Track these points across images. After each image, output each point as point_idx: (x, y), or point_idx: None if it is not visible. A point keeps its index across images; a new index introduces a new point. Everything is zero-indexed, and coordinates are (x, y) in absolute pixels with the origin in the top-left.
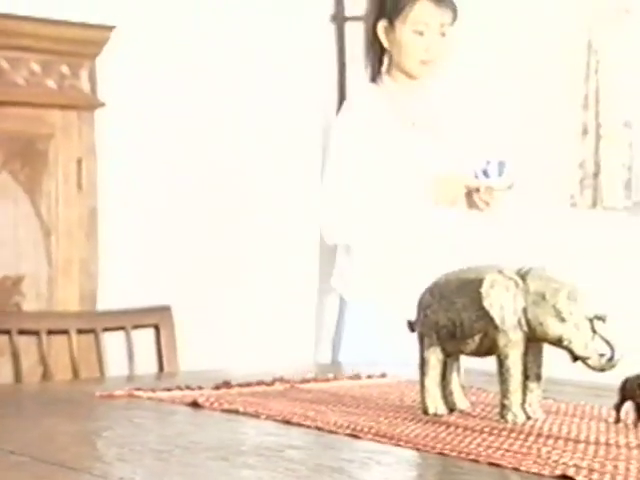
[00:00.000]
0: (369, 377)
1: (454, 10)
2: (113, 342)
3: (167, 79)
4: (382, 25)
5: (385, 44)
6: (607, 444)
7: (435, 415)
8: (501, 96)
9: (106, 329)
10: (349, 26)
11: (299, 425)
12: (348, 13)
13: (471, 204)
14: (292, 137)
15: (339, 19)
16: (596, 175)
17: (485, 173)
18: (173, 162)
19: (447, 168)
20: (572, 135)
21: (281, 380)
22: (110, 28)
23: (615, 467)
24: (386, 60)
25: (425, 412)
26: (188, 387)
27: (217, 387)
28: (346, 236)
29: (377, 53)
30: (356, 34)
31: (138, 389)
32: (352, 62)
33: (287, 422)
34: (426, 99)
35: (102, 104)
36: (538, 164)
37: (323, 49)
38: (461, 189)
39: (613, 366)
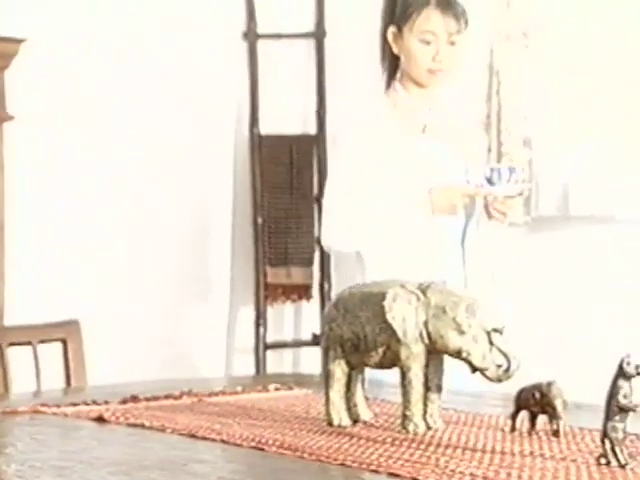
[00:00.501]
0: (277, 390)
1: (463, 19)
2: (20, 357)
3: (76, 92)
4: (391, 31)
5: (395, 50)
6: (502, 452)
7: (339, 427)
8: None
9: (12, 344)
10: (262, 43)
11: (204, 439)
12: (260, 30)
13: (489, 215)
14: (203, 152)
15: (251, 36)
16: None
17: (490, 181)
18: (80, 176)
19: (458, 176)
20: None
21: (189, 394)
22: (19, 41)
23: (508, 474)
24: (400, 67)
25: (330, 424)
26: (94, 402)
27: (124, 401)
28: (351, 244)
29: (389, 59)
30: (269, 51)
31: (43, 404)
32: (267, 79)
33: (192, 436)
34: (437, 106)
35: (11, 117)
36: None
37: (234, 66)
38: (459, 198)
39: (509, 377)
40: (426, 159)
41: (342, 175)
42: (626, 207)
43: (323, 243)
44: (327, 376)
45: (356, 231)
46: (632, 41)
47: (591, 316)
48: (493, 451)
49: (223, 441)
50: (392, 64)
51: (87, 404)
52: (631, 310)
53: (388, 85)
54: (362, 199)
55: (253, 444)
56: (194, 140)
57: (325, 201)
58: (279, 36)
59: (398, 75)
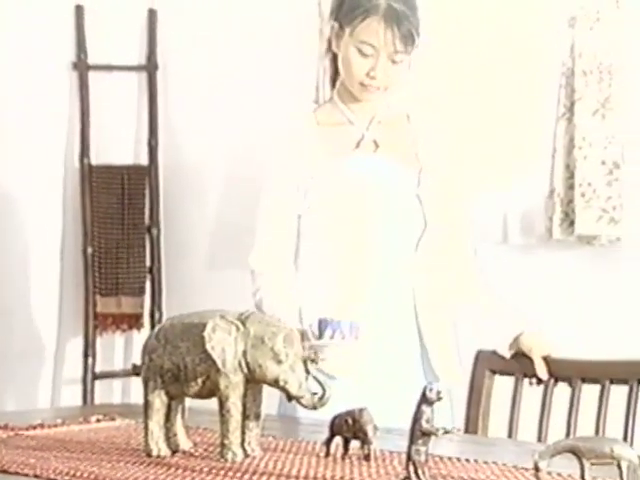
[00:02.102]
0: (98, 421)
1: (411, 38)
2: None
3: None
4: (332, 24)
5: (333, 47)
6: (315, 477)
7: (158, 457)
8: None
9: None
10: (93, 75)
11: (17, 474)
12: (91, 61)
13: None
14: (32, 182)
15: (81, 67)
16: None
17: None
18: None
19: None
20: None
21: (4, 427)
22: None
23: None
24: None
25: (148, 454)
26: None
27: None
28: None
29: (330, 59)
30: (100, 82)
31: None
32: (98, 110)
33: (4, 471)
34: (382, 115)
35: None
36: None
37: (64, 96)
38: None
39: (324, 404)
40: (355, 180)
41: (270, 202)
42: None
43: (250, 266)
44: (146, 407)
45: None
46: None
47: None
48: (307, 477)
49: (37, 476)
50: (333, 64)
51: None
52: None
53: (333, 85)
54: (286, 226)
55: (67, 478)
56: (22, 170)
57: (257, 225)
58: (110, 68)
59: (337, 83)
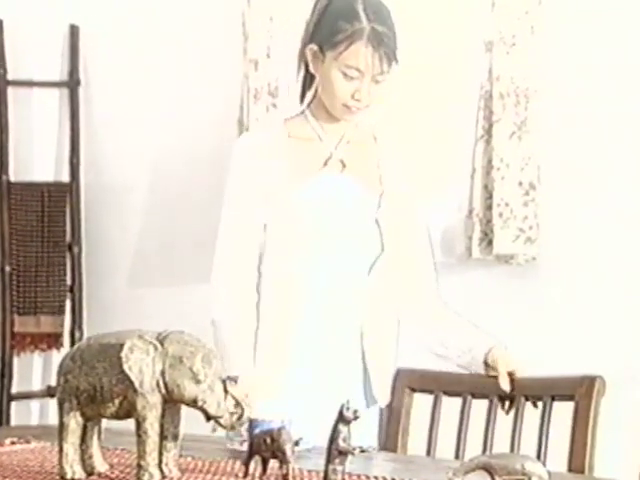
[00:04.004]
0: (13, 443)
1: (394, 58)
2: None
3: None
4: (310, 48)
5: (311, 69)
6: None
7: (72, 479)
8: None
9: None
10: (13, 90)
11: None
12: (11, 77)
13: None
14: None
15: (0, 82)
16: None
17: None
18: None
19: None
20: None
21: None
22: None
23: None
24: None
25: (63, 477)
26: None
27: None
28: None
29: (305, 80)
30: (20, 98)
31: None
32: (18, 126)
33: None
34: (351, 134)
35: None
36: (194, 231)
37: None
38: None
39: (242, 424)
40: (318, 199)
41: (233, 212)
42: None
43: (213, 316)
44: (61, 428)
45: (226, 301)
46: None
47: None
48: None
49: None
50: (307, 84)
51: None
52: None
53: (301, 102)
54: (247, 262)
55: None
56: None
57: (214, 267)
58: (31, 83)
59: (310, 97)
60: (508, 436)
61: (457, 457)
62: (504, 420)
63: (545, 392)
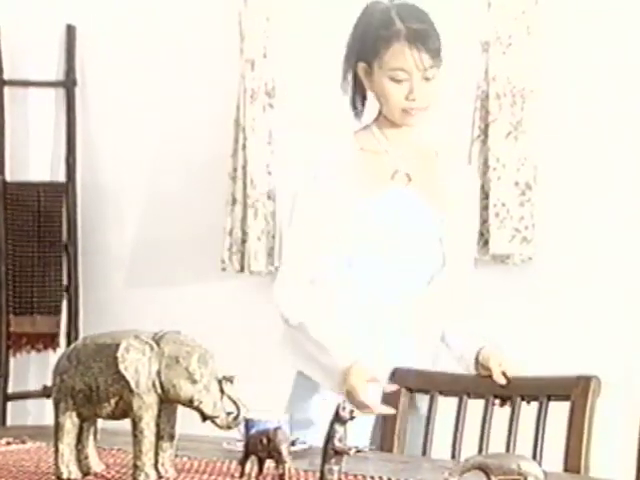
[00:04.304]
0: (8, 444)
1: (437, 51)
2: None
3: None
4: (361, 67)
5: (367, 87)
6: None
7: (68, 479)
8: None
9: None
10: (9, 90)
11: None
12: (7, 77)
13: None
14: None
15: None
16: (244, 242)
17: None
18: None
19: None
20: (222, 204)
21: None
22: None
23: None
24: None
25: (59, 478)
26: None
27: None
28: (298, 316)
29: (361, 98)
30: (17, 98)
31: None
32: (14, 125)
33: None
34: (415, 149)
35: None
36: (190, 231)
37: None
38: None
39: (238, 424)
40: (386, 213)
41: (298, 237)
42: None
43: (279, 311)
44: (57, 429)
45: (304, 303)
46: None
47: None
48: None
49: None
50: (362, 102)
51: None
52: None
53: (357, 118)
54: (315, 265)
55: None
56: None
57: (282, 264)
58: (27, 83)
59: (376, 115)
60: (504, 436)
61: (453, 457)
62: (500, 420)
63: (541, 392)
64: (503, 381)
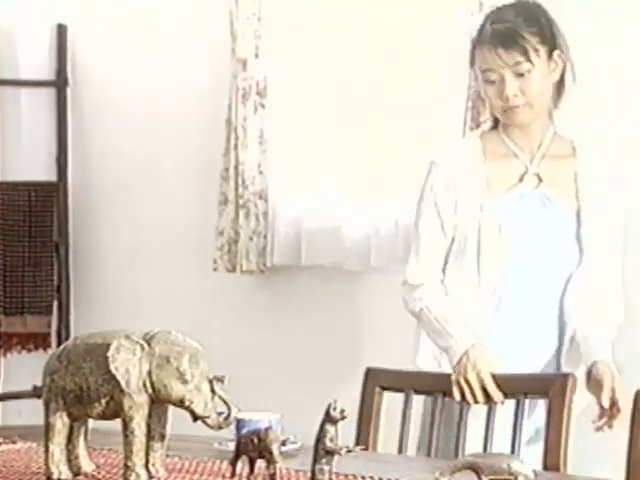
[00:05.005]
0: None
1: (525, 45)
2: None
3: None
4: (473, 75)
5: (482, 95)
6: None
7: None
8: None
9: None
10: (0, 90)
11: None
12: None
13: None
14: None
15: None
16: (235, 242)
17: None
18: None
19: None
20: (213, 204)
21: None
22: None
23: None
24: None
25: (49, 478)
26: None
27: None
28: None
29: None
30: (8, 98)
31: None
32: (6, 125)
33: None
34: (545, 146)
35: None
36: (182, 231)
37: None
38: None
39: (229, 424)
40: (514, 215)
41: (429, 234)
42: (353, 258)
43: (417, 307)
44: (47, 429)
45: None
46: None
47: (317, 365)
48: None
49: None
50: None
51: None
52: (346, 358)
53: (490, 127)
54: (442, 242)
55: None
56: None
57: (417, 237)
58: (18, 83)
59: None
60: (481, 434)
61: (429, 454)
62: (477, 417)
63: (518, 390)
64: (607, 404)
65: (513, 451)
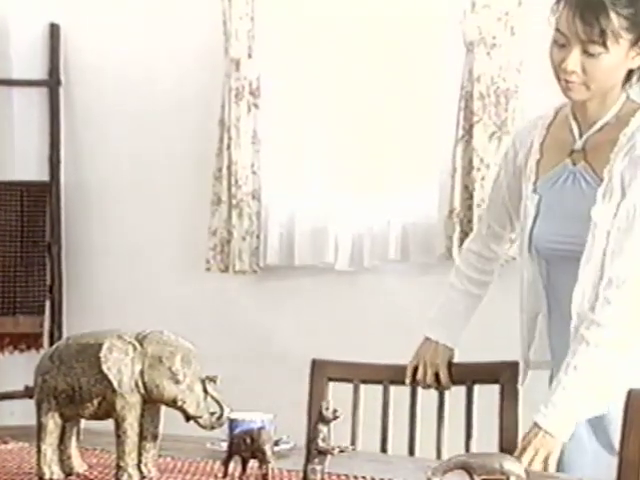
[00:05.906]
0: None
1: (603, 26)
2: None
3: None
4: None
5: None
6: None
7: None
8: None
9: None
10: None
11: None
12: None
13: None
14: None
15: None
16: (228, 242)
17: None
18: None
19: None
20: (206, 204)
21: None
22: None
23: None
24: None
25: (41, 478)
26: None
27: None
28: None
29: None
30: (0, 97)
31: None
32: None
33: None
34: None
35: None
36: (175, 231)
37: None
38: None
39: (222, 424)
40: (554, 192)
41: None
42: (345, 258)
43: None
44: (39, 429)
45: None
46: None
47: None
48: None
49: None
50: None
51: None
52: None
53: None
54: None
55: None
56: None
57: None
58: (11, 82)
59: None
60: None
61: (383, 449)
62: (428, 405)
63: (469, 377)
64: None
65: (468, 435)
